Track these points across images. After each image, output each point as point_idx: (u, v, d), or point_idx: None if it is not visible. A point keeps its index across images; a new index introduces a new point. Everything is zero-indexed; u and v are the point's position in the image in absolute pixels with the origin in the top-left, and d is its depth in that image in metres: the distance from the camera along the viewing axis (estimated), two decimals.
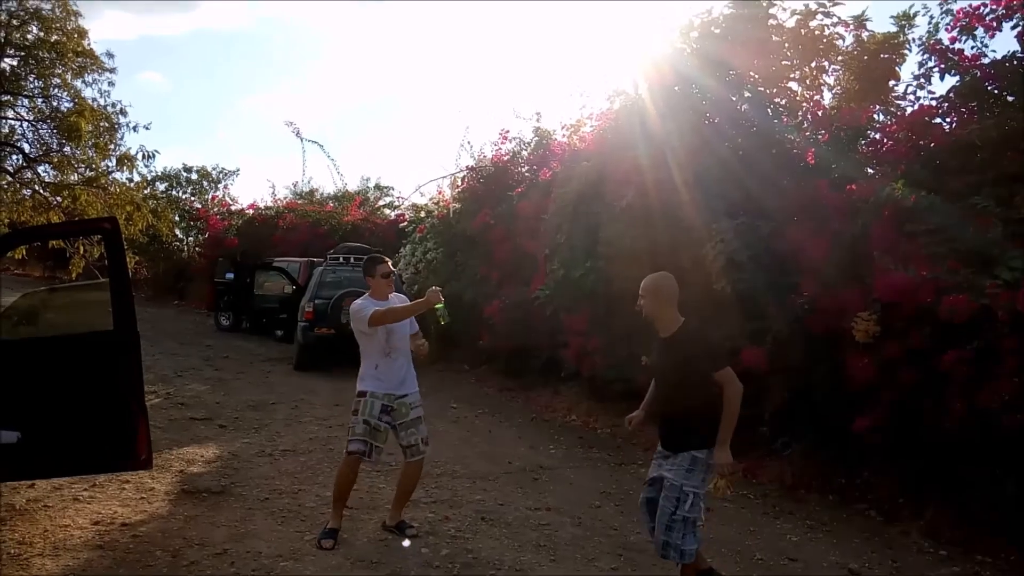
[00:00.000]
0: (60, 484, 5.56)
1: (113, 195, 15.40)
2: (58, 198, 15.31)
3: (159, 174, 23.32)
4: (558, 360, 9.67)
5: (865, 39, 7.93)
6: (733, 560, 4.92)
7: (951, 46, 7.02)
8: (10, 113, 15.07)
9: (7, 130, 15.21)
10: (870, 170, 7.43)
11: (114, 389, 4.42)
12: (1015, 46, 6.79)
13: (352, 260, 12.57)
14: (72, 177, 15.58)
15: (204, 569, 4.35)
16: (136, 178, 17.05)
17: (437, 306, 4.70)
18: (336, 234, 18.86)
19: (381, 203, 23.40)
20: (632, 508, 4.59)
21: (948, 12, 7.09)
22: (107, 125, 15.41)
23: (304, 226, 19.87)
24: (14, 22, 14.44)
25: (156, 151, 16.88)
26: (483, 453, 7.44)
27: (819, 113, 8.31)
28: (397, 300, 5.13)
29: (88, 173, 15.53)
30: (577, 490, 6.31)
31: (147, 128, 16.71)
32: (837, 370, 6.33)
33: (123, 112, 15.70)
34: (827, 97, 8.54)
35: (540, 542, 5.04)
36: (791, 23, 8.15)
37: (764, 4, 8.08)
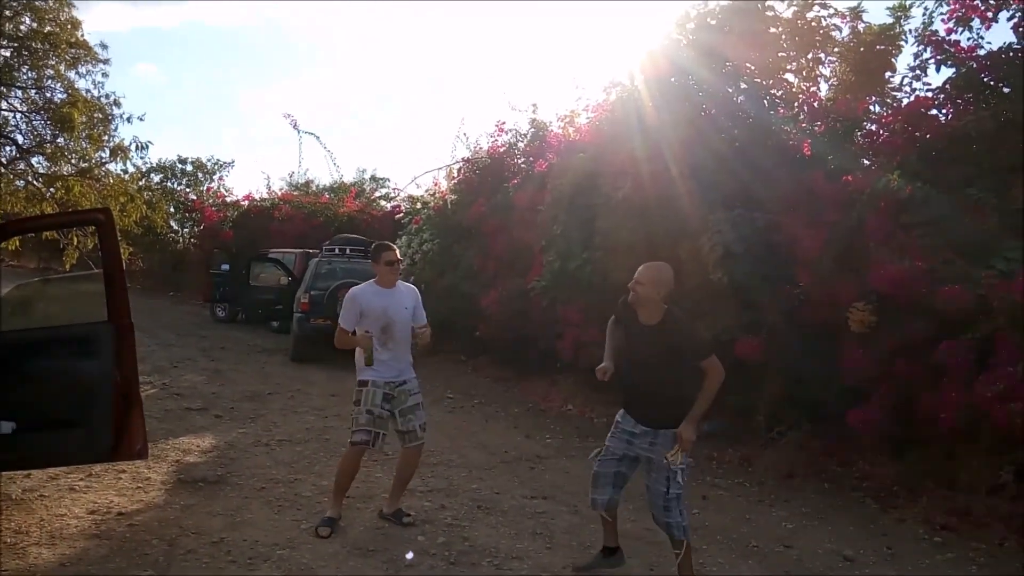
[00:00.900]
0: (56, 474, 5.55)
1: (107, 186, 15.37)
2: (51, 189, 15.24)
3: (154, 166, 23.23)
4: (554, 351, 9.68)
5: (861, 30, 7.93)
6: (729, 548, 4.94)
7: (947, 37, 7.00)
8: (3, 104, 15.00)
9: (0, 121, 15.15)
10: (866, 161, 7.43)
11: (109, 379, 4.40)
12: (1011, 37, 6.80)
13: (348, 251, 12.53)
14: (65, 168, 15.52)
15: (200, 558, 4.36)
16: (130, 169, 17.02)
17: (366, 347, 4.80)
18: (332, 225, 18.83)
19: (377, 194, 23.38)
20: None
21: (944, 2, 7.08)
22: (100, 116, 15.35)
23: (300, 217, 19.82)
24: (7, 13, 14.35)
25: (150, 142, 16.70)
26: (479, 443, 7.46)
27: (815, 105, 8.30)
28: (404, 289, 5.09)
29: (82, 164, 15.47)
30: (573, 479, 6.32)
31: (141, 119, 16.60)
32: (833, 361, 6.36)
33: (117, 103, 15.64)
34: (823, 89, 8.54)
35: (536, 530, 5.06)
36: (788, 14, 8.14)
37: None
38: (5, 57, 14.72)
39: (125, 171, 16.58)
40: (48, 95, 15.05)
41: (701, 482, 6.42)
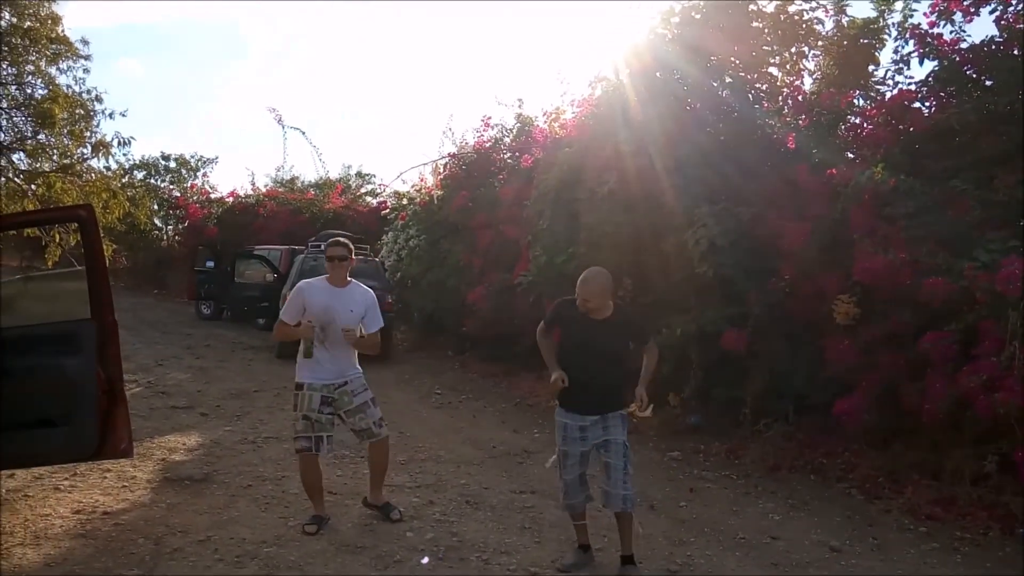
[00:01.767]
0: (40, 473, 5.51)
1: (89, 183, 15.18)
2: (33, 186, 15.06)
3: (137, 162, 23.04)
4: None
5: (845, 24, 7.95)
6: (716, 540, 4.96)
7: (930, 31, 7.04)
8: None
9: None
10: (850, 154, 7.47)
11: (93, 378, 4.36)
12: (993, 30, 6.84)
13: None
14: (47, 165, 15.33)
15: (187, 556, 4.34)
16: (113, 166, 16.82)
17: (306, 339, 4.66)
18: (317, 222, 18.78)
19: (363, 190, 23.31)
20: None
21: None
22: (82, 112, 15.14)
23: (285, 214, 19.76)
24: None
25: (132, 137, 16.43)
26: (467, 438, 7.46)
27: (799, 98, 8.33)
28: (357, 290, 4.87)
29: (63, 161, 15.30)
30: None
31: (123, 115, 16.45)
32: (818, 353, 6.40)
33: (99, 99, 15.41)
34: (807, 82, 8.56)
35: (525, 524, 5.07)
36: (771, 8, 8.17)
37: None
38: None
39: (108, 168, 16.37)
40: (29, 91, 14.85)
41: (688, 475, 6.45)
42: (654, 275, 7.89)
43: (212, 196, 22.67)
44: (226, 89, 56.74)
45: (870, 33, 7.76)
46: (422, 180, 14.81)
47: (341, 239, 4.98)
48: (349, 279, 4.89)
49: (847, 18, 7.95)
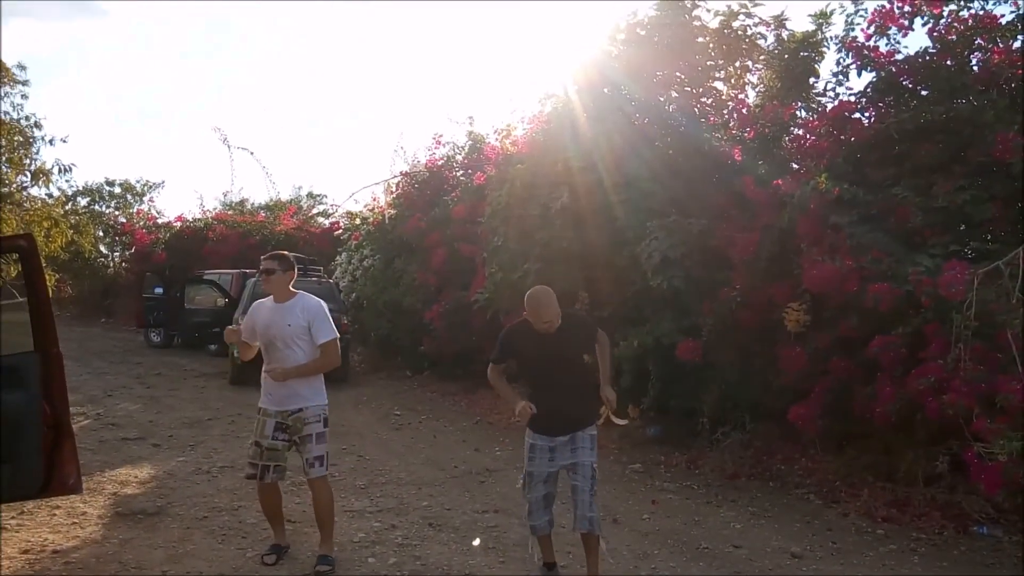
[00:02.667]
0: None
1: (29, 211, 14.79)
2: None
3: (80, 189, 22.56)
4: None
5: (785, 38, 8.14)
6: (679, 551, 4.99)
7: (867, 43, 7.25)
8: None
9: None
10: (795, 165, 7.64)
11: (37, 411, 4.22)
12: (927, 42, 7.07)
13: None
14: None
15: None
16: (55, 193, 16.41)
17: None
18: (268, 244, 18.48)
19: (315, 211, 23.10)
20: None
21: (862, 13, 7.32)
22: (21, 139, 14.78)
23: (235, 237, 19.44)
24: None
25: (73, 164, 16.09)
26: (428, 458, 7.39)
27: (744, 111, 8.50)
28: (297, 303, 4.55)
29: (2, 189, 14.88)
30: None
31: (64, 141, 16.02)
32: (771, 360, 6.50)
33: (38, 125, 15.06)
34: (751, 95, 8.74)
35: (488, 544, 5.03)
36: (714, 24, 8.32)
37: (688, 5, 8.23)
38: None
39: (49, 195, 15.99)
40: None
41: (650, 487, 6.48)
42: (609, 289, 7.95)
43: (159, 221, 22.21)
44: (171, 110, 55.72)
45: (810, 46, 7.96)
46: (375, 200, 14.77)
47: (277, 253, 4.77)
48: (295, 291, 4.65)
49: (787, 32, 8.14)
